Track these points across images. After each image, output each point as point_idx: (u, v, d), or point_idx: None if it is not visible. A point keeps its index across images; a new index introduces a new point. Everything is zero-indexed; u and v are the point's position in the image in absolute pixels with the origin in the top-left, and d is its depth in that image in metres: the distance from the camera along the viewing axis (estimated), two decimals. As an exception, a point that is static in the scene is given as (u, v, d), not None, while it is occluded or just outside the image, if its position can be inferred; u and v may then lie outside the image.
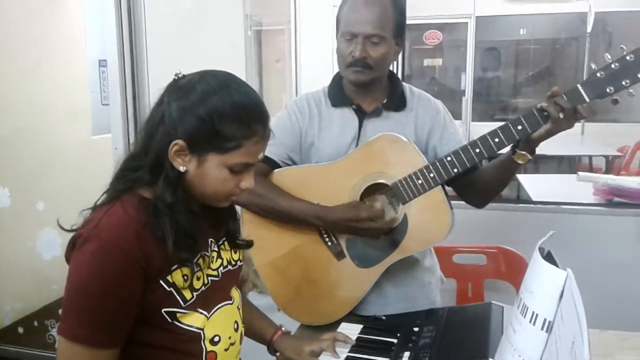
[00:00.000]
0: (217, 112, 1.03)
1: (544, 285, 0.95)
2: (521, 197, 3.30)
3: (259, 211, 1.56)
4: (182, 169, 1.06)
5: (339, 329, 1.50)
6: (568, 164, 5.78)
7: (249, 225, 1.58)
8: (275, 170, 1.59)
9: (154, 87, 2.81)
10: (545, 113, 1.34)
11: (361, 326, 1.50)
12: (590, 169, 5.20)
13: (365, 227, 1.47)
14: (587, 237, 2.33)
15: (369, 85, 1.56)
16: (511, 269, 2.26)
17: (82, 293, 1.01)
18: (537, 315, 0.96)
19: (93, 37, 3.68)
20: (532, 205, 2.52)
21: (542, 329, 0.95)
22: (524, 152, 1.40)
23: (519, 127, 1.37)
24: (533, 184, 3.31)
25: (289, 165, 1.61)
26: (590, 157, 5.35)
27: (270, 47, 4.10)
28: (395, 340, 1.39)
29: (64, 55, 3.59)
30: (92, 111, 3.84)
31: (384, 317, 1.55)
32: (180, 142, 1.03)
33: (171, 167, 1.05)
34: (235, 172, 1.07)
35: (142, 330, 1.08)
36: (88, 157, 3.70)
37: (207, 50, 2.79)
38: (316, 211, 1.51)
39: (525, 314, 0.98)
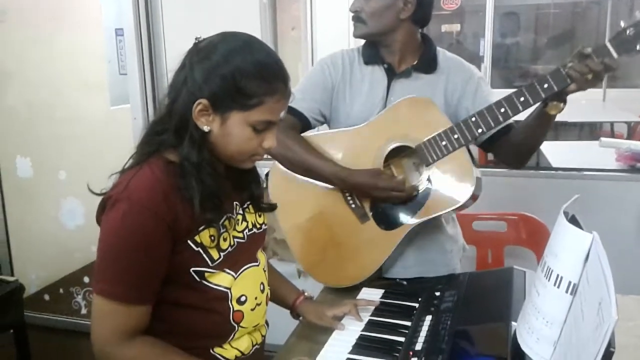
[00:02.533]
0: (240, 70, 1.05)
1: (569, 248, 0.95)
2: (541, 164, 3.26)
3: (287, 163, 1.58)
4: (206, 128, 1.07)
5: (361, 294, 1.52)
6: (589, 131, 5.69)
7: (275, 191, 1.61)
8: (303, 134, 1.60)
9: (171, 55, 2.81)
10: (571, 72, 1.32)
11: (382, 291, 1.52)
12: (612, 135, 5.11)
13: (384, 196, 1.49)
14: (609, 203, 2.31)
15: (379, 42, 1.56)
16: (532, 236, 2.25)
17: (114, 253, 1.05)
18: (561, 278, 0.95)
19: (109, 5, 3.67)
20: (553, 172, 2.49)
21: (566, 291, 0.95)
22: (555, 103, 1.38)
23: (545, 86, 1.36)
24: (553, 150, 3.27)
25: (319, 121, 1.63)
26: (611, 123, 5.26)
27: (285, 15, 4.05)
28: (416, 305, 1.41)
29: (80, 25, 3.59)
30: (110, 81, 3.86)
31: (405, 282, 1.56)
32: (203, 101, 1.05)
33: (195, 127, 1.07)
34: (258, 131, 1.09)
35: (172, 289, 1.11)
36: (107, 127, 3.72)
37: (222, 18, 2.78)
38: (338, 172, 1.53)
39: (550, 277, 0.98)
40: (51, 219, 3.38)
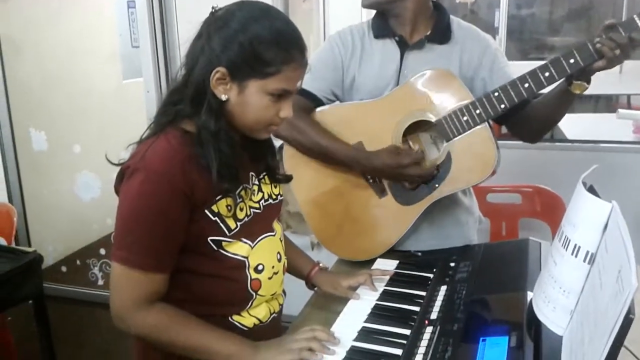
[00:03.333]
0: (258, 38, 1.04)
1: (588, 217, 0.94)
2: (555, 137, 3.23)
3: (299, 147, 1.56)
4: (223, 97, 1.07)
5: (375, 265, 1.53)
6: (605, 104, 5.61)
7: (291, 161, 1.60)
8: (318, 109, 1.58)
9: (183, 27, 2.79)
10: (599, 46, 1.29)
11: (397, 262, 1.52)
12: (629, 108, 5.04)
13: (406, 174, 1.47)
14: (626, 175, 2.29)
15: (389, 12, 1.54)
16: (547, 208, 2.24)
17: (132, 221, 1.06)
18: (579, 247, 0.95)
19: (120, -22, 3.64)
20: (569, 144, 2.47)
21: (584, 261, 0.94)
22: (580, 82, 1.36)
23: (571, 61, 1.33)
24: (569, 123, 3.22)
25: (331, 100, 1.60)
26: (628, 96, 5.18)
27: (297, -13, 4.00)
28: (431, 275, 1.41)
29: (91, -3, 3.58)
30: (122, 54, 3.85)
31: (419, 253, 1.56)
32: (221, 69, 1.05)
33: (213, 96, 1.07)
34: (275, 100, 1.09)
35: (190, 258, 1.12)
36: (120, 101, 3.73)
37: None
38: (357, 156, 1.51)
39: (567, 247, 0.97)
40: (67, 192, 3.41)
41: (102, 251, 3.32)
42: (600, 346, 0.71)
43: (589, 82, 1.38)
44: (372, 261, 1.56)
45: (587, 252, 0.94)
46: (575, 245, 0.96)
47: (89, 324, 3.11)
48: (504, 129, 1.84)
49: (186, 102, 1.09)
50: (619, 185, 2.17)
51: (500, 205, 2.32)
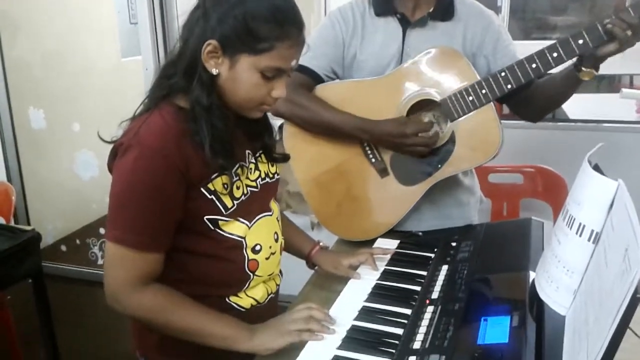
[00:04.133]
0: (252, 12, 1.01)
1: (593, 195, 0.92)
2: (557, 117, 3.21)
3: (301, 123, 1.54)
4: (214, 71, 1.05)
5: (376, 244, 1.52)
6: (607, 84, 5.56)
7: (292, 140, 1.57)
8: (318, 85, 1.55)
9: (182, 3, 2.75)
10: (610, 27, 1.26)
11: (398, 241, 1.51)
12: (631, 88, 5.00)
13: (411, 142, 1.45)
14: (630, 154, 2.27)
15: None
16: (549, 189, 2.23)
17: (126, 199, 1.04)
18: (584, 226, 0.94)
19: (117, -47, 3.59)
20: (572, 124, 2.45)
21: (588, 240, 0.93)
22: (589, 69, 1.34)
23: (580, 42, 1.31)
24: (570, 103, 3.17)
25: (331, 78, 1.58)
26: (631, 76, 5.13)
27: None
28: (432, 255, 1.40)
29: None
30: (120, 32, 3.80)
31: (420, 233, 1.55)
32: (213, 42, 1.02)
33: (204, 69, 1.05)
34: (267, 78, 1.06)
35: (186, 238, 1.11)
36: (119, 79, 3.69)
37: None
38: (361, 124, 1.49)
39: (572, 226, 0.96)
40: (66, 171, 3.40)
41: (102, 230, 3.31)
42: (605, 326, 0.69)
43: (597, 69, 1.36)
44: (373, 241, 1.55)
45: (592, 231, 0.92)
46: (580, 224, 0.94)
47: (89, 303, 3.11)
48: (505, 109, 1.82)
49: (179, 74, 1.07)
50: (622, 165, 2.15)
51: (502, 186, 2.30)
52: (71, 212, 3.50)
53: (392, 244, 1.50)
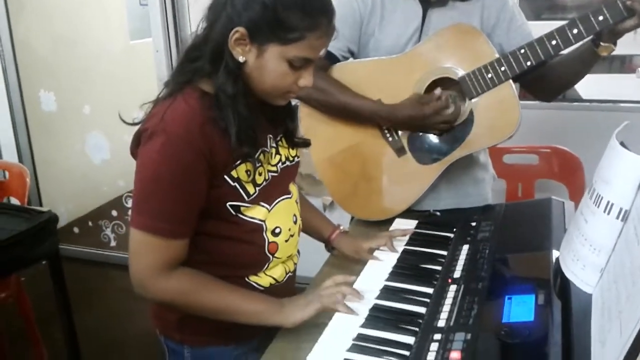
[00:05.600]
0: (283, 1, 0.98)
1: (622, 173, 0.91)
2: (568, 96, 3.17)
3: (319, 106, 1.53)
4: (241, 59, 1.03)
5: (394, 225, 1.51)
6: (619, 64, 5.49)
7: (308, 119, 1.56)
8: (334, 65, 1.54)
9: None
10: (629, 3, 1.25)
11: (415, 221, 1.50)
12: (644, 68, 4.93)
13: (432, 122, 1.43)
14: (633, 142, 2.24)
15: None
16: (564, 169, 2.21)
17: (152, 186, 1.03)
18: (612, 204, 0.93)
19: None
20: (587, 104, 2.42)
21: (617, 218, 0.92)
22: (607, 44, 1.32)
23: (600, 18, 1.29)
24: (584, 83, 3.13)
25: (345, 58, 1.56)
26: (645, 55, 5.07)
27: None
28: (451, 235, 1.39)
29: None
30: (129, 14, 3.78)
31: (438, 213, 1.54)
32: (241, 29, 1.00)
33: (231, 56, 1.03)
34: (295, 68, 1.04)
35: (209, 223, 1.10)
36: (128, 62, 3.69)
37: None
38: (380, 110, 1.47)
39: (599, 204, 0.95)
40: (77, 153, 3.41)
41: (114, 213, 3.33)
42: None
43: (615, 44, 1.34)
44: (390, 221, 1.54)
45: (621, 209, 0.91)
46: (608, 203, 0.93)
47: (102, 285, 3.14)
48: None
49: (205, 59, 1.05)
50: (638, 148, 2.13)
51: (517, 166, 2.28)
52: (83, 194, 3.52)
53: (410, 223, 1.49)
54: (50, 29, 3.35)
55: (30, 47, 3.33)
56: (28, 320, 2.32)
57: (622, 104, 2.35)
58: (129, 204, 3.27)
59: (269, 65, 1.03)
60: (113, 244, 3.39)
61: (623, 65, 5.43)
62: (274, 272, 1.20)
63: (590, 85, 3.11)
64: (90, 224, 3.43)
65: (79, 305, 2.50)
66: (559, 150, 2.24)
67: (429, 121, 1.43)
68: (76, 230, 3.42)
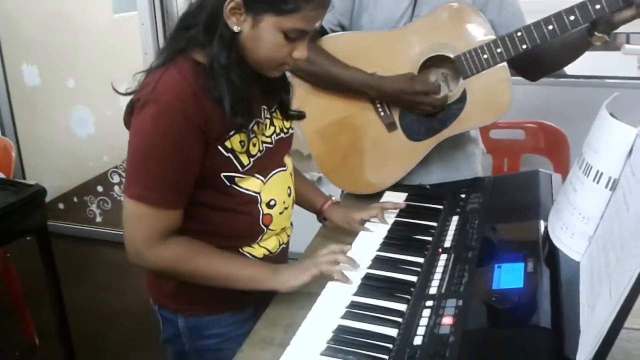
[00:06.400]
0: None
1: (612, 142, 0.93)
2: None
3: (308, 78, 1.52)
4: (236, 29, 1.02)
5: (384, 197, 1.52)
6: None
7: (298, 90, 1.55)
8: (325, 37, 1.53)
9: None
10: None
11: (405, 194, 1.51)
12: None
13: (419, 101, 1.44)
14: (633, 111, 2.27)
15: None
16: (550, 145, 2.25)
17: (146, 156, 1.03)
18: (601, 173, 0.95)
19: None
20: (574, 80, 2.44)
21: (606, 187, 0.94)
22: (601, 35, 1.34)
23: (597, 7, 1.30)
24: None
25: (335, 31, 1.55)
26: (627, 34, 5.10)
27: None
28: (441, 207, 1.41)
29: None
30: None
31: (428, 186, 1.56)
32: None
33: (225, 26, 1.02)
34: (290, 39, 1.04)
35: (203, 193, 1.11)
36: (111, 36, 3.63)
37: None
38: (370, 80, 1.47)
39: (589, 173, 0.97)
40: (62, 128, 3.36)
41: (100, 188, 3.31)
42: (630, 266, 0.71)
43: (609, 35, 1.36)
44: (380, 194, 1.55)
45: (610, 178, 0.93)
46: (598, 172, 0.95)
47: (88, 261, 3.13)
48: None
49: (199, 27, 1.04)
50: (625, 121, 2.16)
51: (503, 142, 2.31)
52: (68, 170, 3.48)
53: (400, 197, 1.50)
54: (38, 4, 3.28)
55: (12, 20, 3.26)
56: (15, 295, 2.31)
57: (607, 80, 2.37)
58: (115, 179, 3.25)
59: (263, 36, 1.03)
60: (99, 219, 3.37)
61: (607, 43, 5.48)
62: (268, 244, 1.21)
63: (577, 62, 3.14)
64: (75, 199, 3.40)
65: (65, 281, 2.49)
66: (544, 126, 2.27)
67: (418, 99, 1.44)
68: (61, 206, 3.39)
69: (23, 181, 1.94)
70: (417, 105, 1.46)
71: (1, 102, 3.30)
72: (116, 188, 3.26)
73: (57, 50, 3.34)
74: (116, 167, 3.23)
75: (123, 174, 3.22)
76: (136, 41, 2.85)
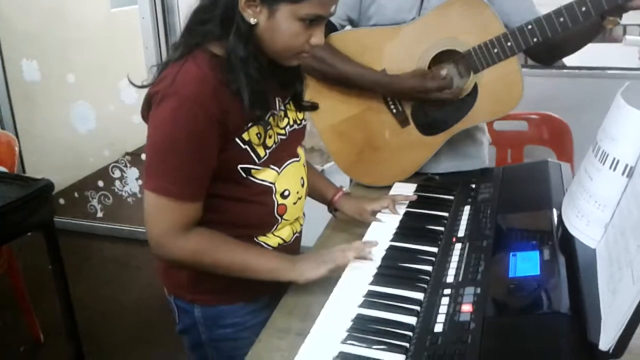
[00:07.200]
0: None
1: (629, 130, 0.94)
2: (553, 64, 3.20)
3: (318, 76, 1.52)
4: (252, 21, 1.02)
5: (394, 188, 1.53)
6: (600, 35, 5.54)
7: (311, 89, 1.55)
8: (334, 34, 1.53)
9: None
10: None
11: (415, 185, 1.52)
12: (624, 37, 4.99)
13: (432, 98, 1.45)
14: (635, 101, 2.29)
15: None
16: (553, 135, 2.25)
17: (166, 149, 1.04)
18: (618, 161, 0.95)
19: None
20: (576, 71, 2.45)
21: (622, 174, 0.95)
22: (614, 18, 1.34)
23: None
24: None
25: (343, 26, 1.55)
26: (624, 26, 5.12)
27: None
28: (452, 197, 1.41)
29: None
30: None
31: (437, 177, 1.57)
32: None
33: (242, 19, 1.02)
34: (306, 26, 1.04)
35: (219, 185, 1.11)
36: (110, 30, 3.62)
37: None
38: (380, 80, 1.48)
39: (605, 161, 0.98)
40: (62, 124, 3.35)
41: (101, 183, 3.30)
42: (653, 250, 0.72)
43: (621, 17, 1.37)
44: (389, 185, 1.56)
45: (626, 165, 0.94)
46: (614, 159, 0.96)
47: (89, 256, 3.13)
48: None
49: (215, 22, 1.04)
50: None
51: (507, 133, 2.32)
52: (68, 165, 3.47)
53: (409, 187, 1.51)
54: (36, 1, 3.27)
55: (12, 15, 3.24)
56: (19, 290, 2.31)
57: (608, 71, 2.39)
58: (116, 174, 3.24)
59: (280, 26, 1.03)
60: (100, 214, 3.36)
61: (604, 34, 5.48)
62: (282, 233, 1.22)
63: (577, 54, 3.15)
64: (76, 195, 3.39)
65: (68, 276, 2.50)
66: (547, 117, 2.28)
67: (430, 96, 1.45)
68: (62, 201, 3.38)
69: (30, 176, 1.92)
70: (429, 101, 1.47)
71: (1, 98, 3.28)
72: (117, 183, 3.25)
73: (57, 45, 3.32)
74: (117, 162, 3.22)
75: (124, 169, 3.22)
76: (135, 35, 2.84)
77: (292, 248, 1.25)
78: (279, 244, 1.22)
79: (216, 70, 1.04)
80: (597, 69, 2.41)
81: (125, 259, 3.07)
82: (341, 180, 1.66)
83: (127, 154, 3.21)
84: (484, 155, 1.68)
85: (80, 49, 3.39)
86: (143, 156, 3.19)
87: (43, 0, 3.32)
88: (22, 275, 2.36)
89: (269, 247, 1.20)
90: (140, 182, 3.19)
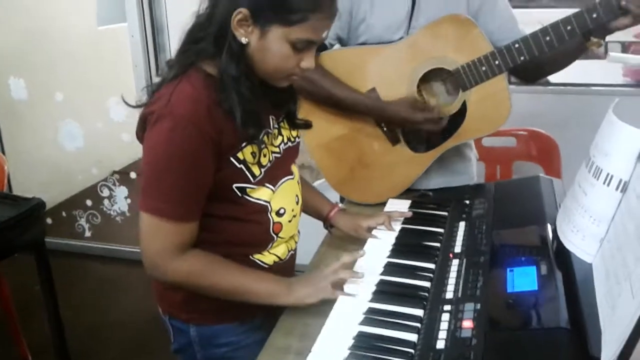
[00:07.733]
0: None
1: (621, 146, 0.96)
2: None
3: (309, 98, 1.53)
4: (244, 40, 1.03)
5: (387, 205, 1.54)
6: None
7: (303, 108, 1.56)
8: (324, 52, 1.54)
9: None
10: (624, 3, 1.29)
11: (409, 201, 1.53)
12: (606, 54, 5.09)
13: (421, 128, 1.48)
14: (619, 117, 2.33)
15: None
16: (541, 151, 2.28)
17: (161, 170, 1.03)
18: (611, 176, 0.97)
19: None
20: (561, 87, 2.49)
21: (616, 189, 0.97)
22: (597, 40, 1.37)
23: (594, 16, 1.33)
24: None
25: (333, 45, 1.57)
26: (606, 43, 5.22)
27: None
28: (446, 213, 1.43)
29: None
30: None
31: (430, 193, 1.58)
32: (244, 10, 1.00)
33: (234, 38, 1.03)
34: (297, 50, 1.04)
35: (215, 204, 1.11)
36: (97, 48, 3.62)
37: None
38: (372, 107, 1.50)
39: (599, 176, 1.00)
40: (50, 142, 3.33)
41: (89, 202, 3.27)
42: (652, 264, 0.73)
43: (604, 39, 1.39)
44: (383, 201, 1.57)
45: (620, 181, 0.96)
46: (608, 175, 0.98)
47: (78, 276, 3.09)
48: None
49: (208, 40, 1.05)
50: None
51: (495, 149, 2.34)
52: (56, 184, 3.44)
53: (403, 203, 1.52)
54: (22, 17, 3.26)
55: (-2, 33, 3.23)
56: (7, 310, 2.27)
57: (593, 87, 2.43)
58: (104, 193, 3.22)
59: (271, 47, 1.03)
60: (88, 234, 3.33)
61: (587, 51, 5.59)
62: (277, 251, 1.22)
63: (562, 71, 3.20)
64: (64, 214, 3.36)
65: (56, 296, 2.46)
66: (535, 133, 2.31)
67: (419, 126, 1.48)
68: (49, 220, 3.34)
69: (21, 195, 1.91)
70: (419, 129, 1.50)
71: (-13, 116, 3.26)
72: (105, 202, 3.22)
73: (44, 63, 3.31)
74: (105, 181, 3.20)
75: (113, 188, 3.19)
76: (124, 53, 2.84)
77: (287, 265, 1.25)
78: (274, 262, 1.21)
79: (210, 90, 1.04)
80: (582, 85, 2.45)
81: (114, 278, 3.03)
82: (332, 197, 1.66)
83: (115, 172, 3.20)
84: (472, 172, 1.70)
85: (67, 67, 3.38)
86: (132, 174, 3.20)
87: (29, 18, 3.31)
88: (10, 295, 2.32)
89: (265, 265, 1.20)
90: (129, 200, 3.16)
